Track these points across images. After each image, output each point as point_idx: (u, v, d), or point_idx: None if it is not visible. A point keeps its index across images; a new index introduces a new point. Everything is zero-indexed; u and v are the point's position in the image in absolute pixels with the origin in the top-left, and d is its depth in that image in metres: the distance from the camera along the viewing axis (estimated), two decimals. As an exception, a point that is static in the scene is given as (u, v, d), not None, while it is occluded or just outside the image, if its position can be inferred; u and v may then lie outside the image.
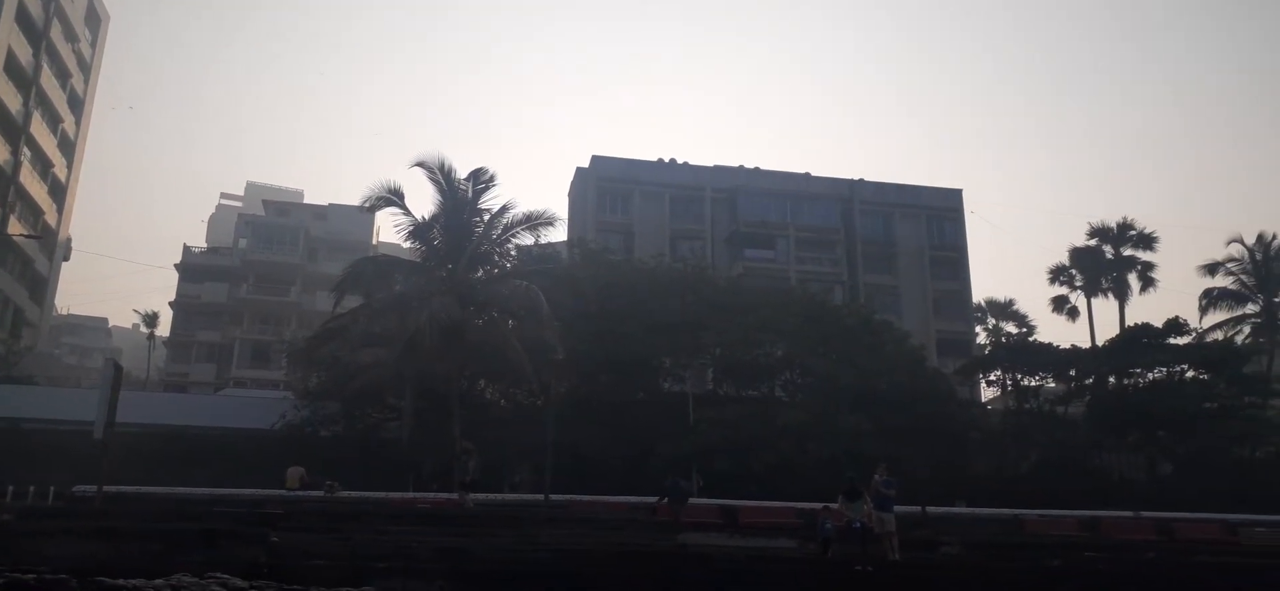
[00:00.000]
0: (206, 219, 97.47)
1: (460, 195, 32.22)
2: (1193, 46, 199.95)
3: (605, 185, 57.22)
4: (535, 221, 32.75)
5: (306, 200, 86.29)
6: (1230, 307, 47.54)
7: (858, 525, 18.61)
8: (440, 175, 32.02)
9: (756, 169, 59.95)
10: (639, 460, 30.60)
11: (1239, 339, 45.99)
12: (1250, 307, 47.18)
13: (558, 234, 39.01)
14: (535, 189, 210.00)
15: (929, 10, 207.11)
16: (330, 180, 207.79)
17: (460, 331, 29.89)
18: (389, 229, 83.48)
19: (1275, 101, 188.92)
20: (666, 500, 23.97)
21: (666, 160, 60.08)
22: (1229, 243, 50.24)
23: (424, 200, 61.11)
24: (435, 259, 32.50)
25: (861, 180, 60.35)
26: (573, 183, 61.50)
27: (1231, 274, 47.74)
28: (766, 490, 29.16)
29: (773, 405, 34.89)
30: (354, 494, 26.01)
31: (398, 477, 29.09)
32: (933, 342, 53.81)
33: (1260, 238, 47.50)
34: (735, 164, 60.30)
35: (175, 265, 66.65)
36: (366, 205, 32.41)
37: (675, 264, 43.91)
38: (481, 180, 32.40)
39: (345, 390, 32.19)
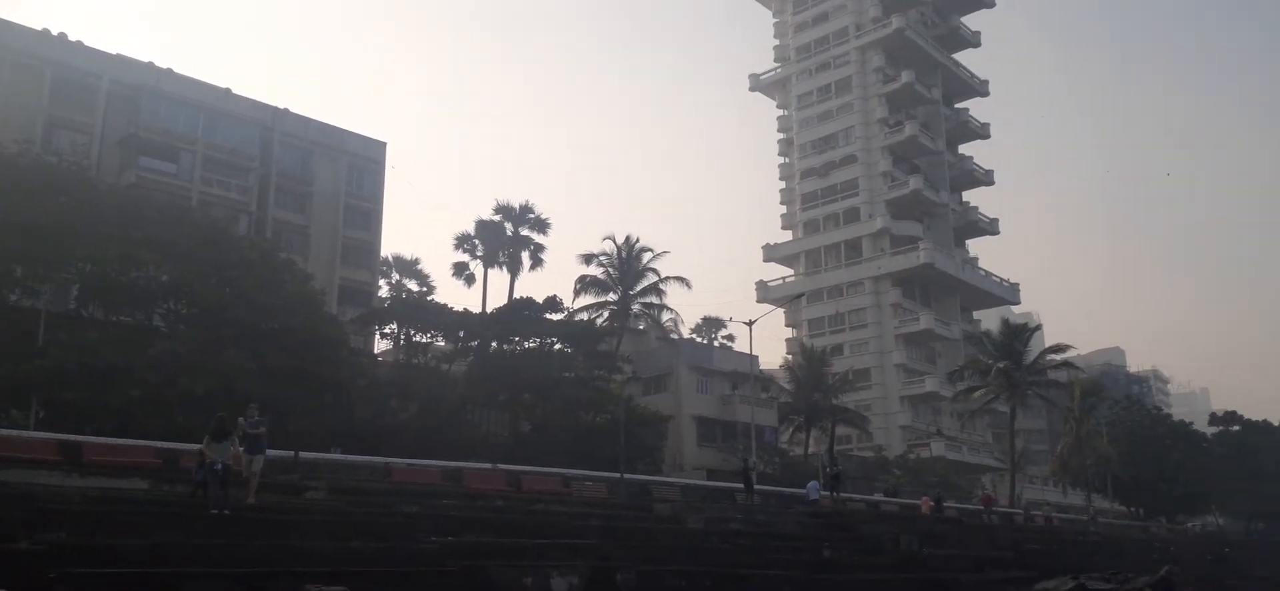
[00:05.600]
0: None
1: None
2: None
3: (-37, 44, 46.36)
4: None
5: None
6: (597, 294, 55.10)
7: (219, 466, 17.82)
8: None
9: (170, 71, 53.54)
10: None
11: (599, 321, 53.71)
12: (612, 296, 55.33)
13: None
14: None
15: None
16: None
17: None
18: None
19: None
20: None
21: (56, 33, 50.79)
22: (604, 239, 58.59)
23: None
24: None
25: (287, 110, 57.37)
26: (-86, 30, 48.66)
27: (602, 266, 55.50)
28: (128, 426, 26.41)
29: (146, 334, 31.65)
30: None
31: None
32: (335, 289, 53.53)
33: (628, 239, 55.98)
34: (146, 59, 53.32)
35: None
36: None
37: (48, 157, 37.44)
38: None
39: None
